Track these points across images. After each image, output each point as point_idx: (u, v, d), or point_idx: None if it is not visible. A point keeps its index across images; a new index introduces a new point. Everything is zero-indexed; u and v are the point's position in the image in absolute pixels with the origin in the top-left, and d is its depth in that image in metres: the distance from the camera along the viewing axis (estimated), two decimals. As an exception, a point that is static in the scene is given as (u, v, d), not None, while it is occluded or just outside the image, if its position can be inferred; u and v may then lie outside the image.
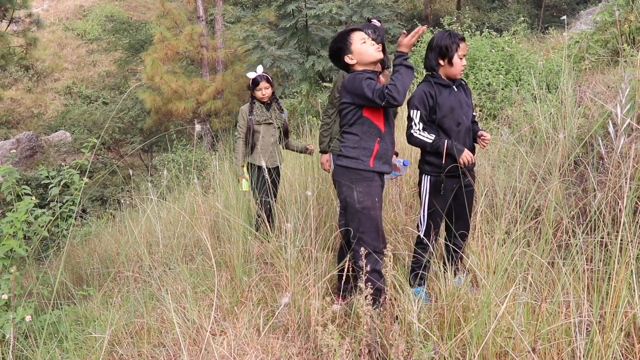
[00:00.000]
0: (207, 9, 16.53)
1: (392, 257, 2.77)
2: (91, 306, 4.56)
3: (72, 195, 5.23)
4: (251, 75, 5.23)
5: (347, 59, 3.40)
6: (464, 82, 3.76)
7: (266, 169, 4.97)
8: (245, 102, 5.38)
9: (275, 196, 5.29)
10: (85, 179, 5.21)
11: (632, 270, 2.22)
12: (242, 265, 4.03)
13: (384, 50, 4.19)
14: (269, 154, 5.21)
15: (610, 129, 2.12)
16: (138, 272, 4.96)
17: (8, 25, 15.88)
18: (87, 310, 4.50)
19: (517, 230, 2.95)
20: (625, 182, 2.24)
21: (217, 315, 3.60)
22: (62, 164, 16.54)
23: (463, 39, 3.62)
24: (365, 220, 3.21)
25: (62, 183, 5.05)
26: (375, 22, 4.26)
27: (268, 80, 5.21)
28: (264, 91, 5.19)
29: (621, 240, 2.19)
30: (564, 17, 5.83)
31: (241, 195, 5.12)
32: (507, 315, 2.23)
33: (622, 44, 6.04)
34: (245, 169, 5.20)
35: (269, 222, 4.71)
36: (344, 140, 3.35)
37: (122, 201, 9.06)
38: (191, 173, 9.07)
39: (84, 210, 11.36)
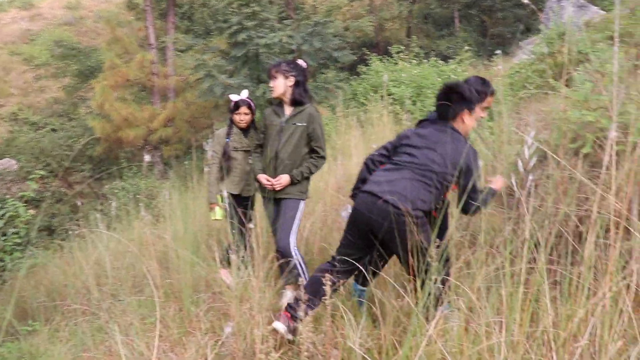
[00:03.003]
0: (159, 37, 16.53)
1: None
2: (37, 342, 4.49)
3: (17, 227, 5.18)
4: (234, 97, 5.00)
5: (467, 116, 3.40)
6: None
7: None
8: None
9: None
10: (31, 211, 5.17)
11: (543, 292, 2.38)
12: (190, 295, 4.06)
13: (303, 85, 4.48)
14: (244, 182, 5.00)
15: (519, 165, 2.30)
16: (86, 304, 4.92)
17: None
18: (32, 346, 4.43)
19: (456, 258, 3.09)
20: (527, 212, 2.40)
21: (165, 346, 3.62)
22: (8, 193, 16.18)
23: (492, 93, 3.79)
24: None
25: (7, 216, 5.01)
26: (301, 62, 4.55)
27: (249, 107, 4.98)
28: (243, 116, 4.95)
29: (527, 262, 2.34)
30: (499, 51, 6.15)
31: (189, 225, 5.11)
32: (435, 338, 2.37)
33: (554, 77, 6.35)
34: (219, 196, 4.93)
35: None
36: (420, 190, 3.20)
37: (71, 231, 8.91)
38: (141, 202, 9.00)
39: (29, 242, 11.13)
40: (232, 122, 5.04)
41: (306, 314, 3.09)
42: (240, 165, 4.95)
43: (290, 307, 3.29)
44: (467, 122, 3.39)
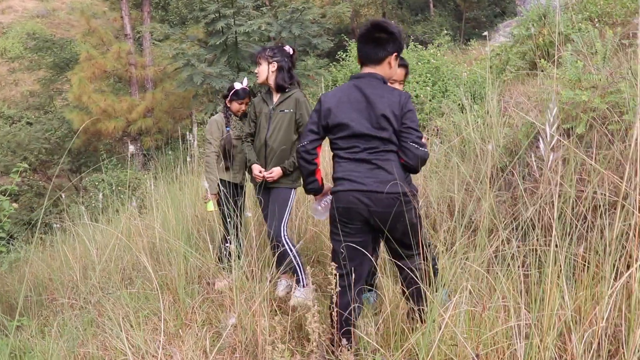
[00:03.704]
0: (135, 27, 16.30)
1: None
2: (25, 337, 4.40)
3: (0, 221, 5.07)
4: (237, 85, 4.85)
5: (393, 60, 3.11)
6: None
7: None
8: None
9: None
10: (14, 205, 5.07)
11: (561, 275, 2.37)
12: (184, 286, 4.01)
13: (288, 71, 4.40)
14: (243, 171, 4.90)
15: (541, 145, 2.26)
16: (74, 298, 4.84)
17: None
18: (20, 342, 4.34)
19: (457, 242, 3.08)
20: (555, 190, 2.38)
21: (162, 339, 3.56)
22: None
23: (404, 66, 3.71)
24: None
25: (-10, 210, 4.90)
26: (287, 48, 4.50)
27: (250, 96, 4.89)
28: (245, 106, 4.87)
29: (556, 246, 2.32)
30: (486, 32, 6.19)
31: (180, 216, 5.04)
32: (450, 324, 2.33)
33: (539, 58, 6.36)
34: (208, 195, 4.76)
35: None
36: (394, 162, 3.03)
37: (53, 224, 8.76)
38: (123, 194, 8.89)
39: (11, 236, 10.96)
40: (228, 110, 4.92)
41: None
42: (239, 154, 4.83)
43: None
44: (394, 66, 3.14)
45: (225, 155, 4.79)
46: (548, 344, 2.16)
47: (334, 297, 2.88)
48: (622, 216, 2.20)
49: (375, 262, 3.38)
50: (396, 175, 2.95)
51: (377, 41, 3.09)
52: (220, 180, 4.78)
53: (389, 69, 3.13)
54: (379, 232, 3.03)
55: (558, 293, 2.28)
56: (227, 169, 4.82)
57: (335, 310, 2.92)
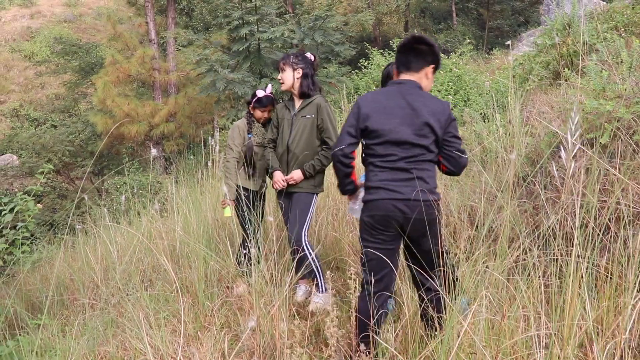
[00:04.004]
0: (159, 32, 16.46)
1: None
2: (46, 335, 4.45)
3: (25, 221, 5.14)
4: (260, 93, 4.82)
5: (430, 72, 3.17)
6: None
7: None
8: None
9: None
10: (39, 206, 5.13)
11: (583, 285, 2.35)
12: (203, 289, 4.03)
13: (311, 77, 4.44)
14: (262, 178, 4.89)
15: (562, 154, 2.25)
16: (95, 298, 4.89)
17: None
18: (42, 340, 4.39)
19: (477, 250, 3.06)
20: (577, 200, 2.37)
21: (181, 340, 3.59)
22: (10, 188, 16.16)
23: None
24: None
25: (15, 210, 4.97)
26: (309, 55, 4.54)
27: (273, 104, 4.86)
28: (268, 114, 4.84)
29: (578, 256, 2.31)
30: (509, 42, 6.18)
31: (201, 220, 5.07)
32: (469, 332, 2.32)
33: (563, 67, 6.32)
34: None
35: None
36: (430, 171, 3.08)
37: (75, 226, 8.86)
38: (145, 197, 8.97)
39: (32, 235, 11.08)
40: (251, 117, 4.91)
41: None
42: (260, 162, 4.83)
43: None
44: (430, 78, 3.19)
45: (247, 161, 4.80)
46: (569, 354, 2.14)
47: (354, 302, 2.89)
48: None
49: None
50: (431, 184, 3.00)
51: (417, 51, 3.14)
52: (241, 186, 4.78)
53: (425, 79, 3.17)
54: (403, 240, 3.04)
55: (579, 303, 2.27)
56: (249, 176, 4.81)
57: (355, 315, 2.92)
